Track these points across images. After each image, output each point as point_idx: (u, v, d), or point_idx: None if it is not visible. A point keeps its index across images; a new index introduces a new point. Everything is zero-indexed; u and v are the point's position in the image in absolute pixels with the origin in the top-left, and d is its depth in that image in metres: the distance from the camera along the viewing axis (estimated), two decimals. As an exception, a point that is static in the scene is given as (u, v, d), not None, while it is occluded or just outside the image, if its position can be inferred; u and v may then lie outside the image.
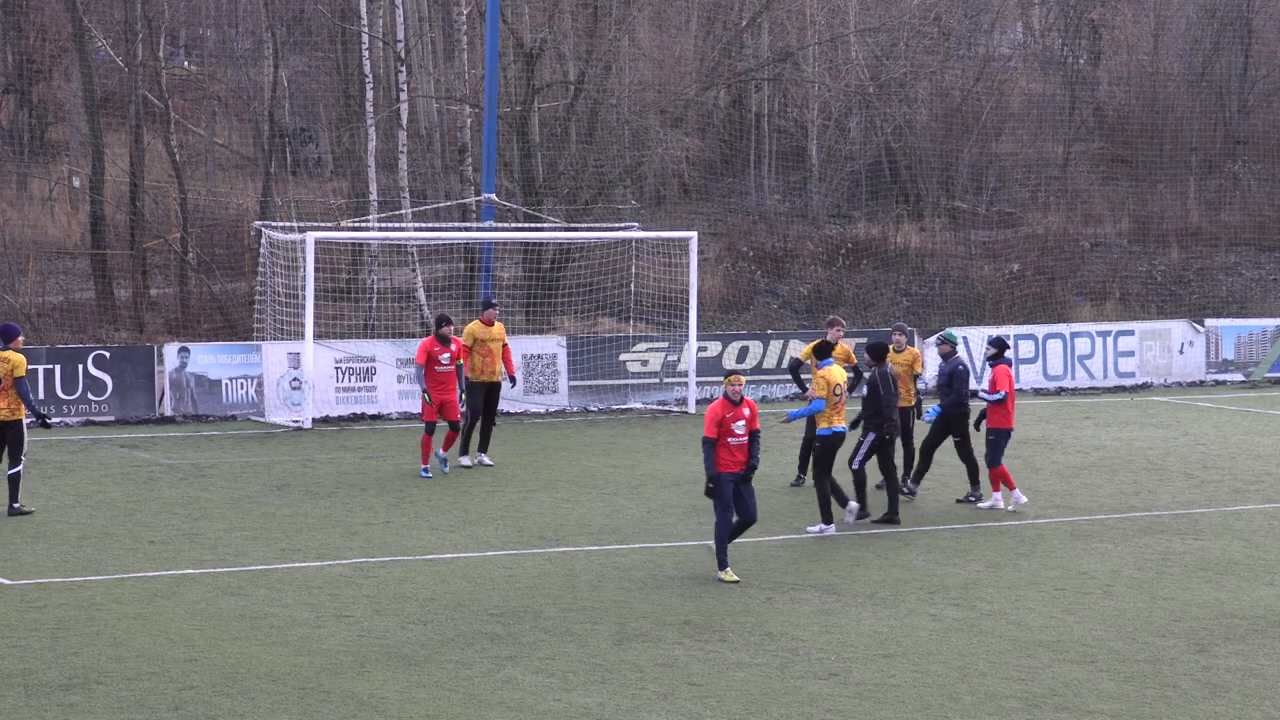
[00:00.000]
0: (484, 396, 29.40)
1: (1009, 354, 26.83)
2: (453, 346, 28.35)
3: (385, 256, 43.45)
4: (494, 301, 30.63)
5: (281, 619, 18.99)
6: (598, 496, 26.83)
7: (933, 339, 40.72)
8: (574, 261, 42.15)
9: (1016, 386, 40.63)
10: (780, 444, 32.02)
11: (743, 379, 20.96)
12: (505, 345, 29.90)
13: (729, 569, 21.03)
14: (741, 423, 20.74)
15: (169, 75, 46.35)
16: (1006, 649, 18.35)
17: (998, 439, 26.02)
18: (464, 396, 28.67)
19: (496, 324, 29.84)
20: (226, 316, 40.64)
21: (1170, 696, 16.81)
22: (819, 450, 24.37)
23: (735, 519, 21.07)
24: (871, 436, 25.06)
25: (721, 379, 38.40)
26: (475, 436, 29.60)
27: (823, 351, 24.93)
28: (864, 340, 38.42)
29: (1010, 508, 26.06)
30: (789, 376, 35.46)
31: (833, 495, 24.38)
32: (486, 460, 29.54)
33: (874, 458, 25.16)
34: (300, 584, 20.68)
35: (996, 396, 26.01)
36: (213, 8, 55.41)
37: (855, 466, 25.11)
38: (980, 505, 26.38)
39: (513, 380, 30.32)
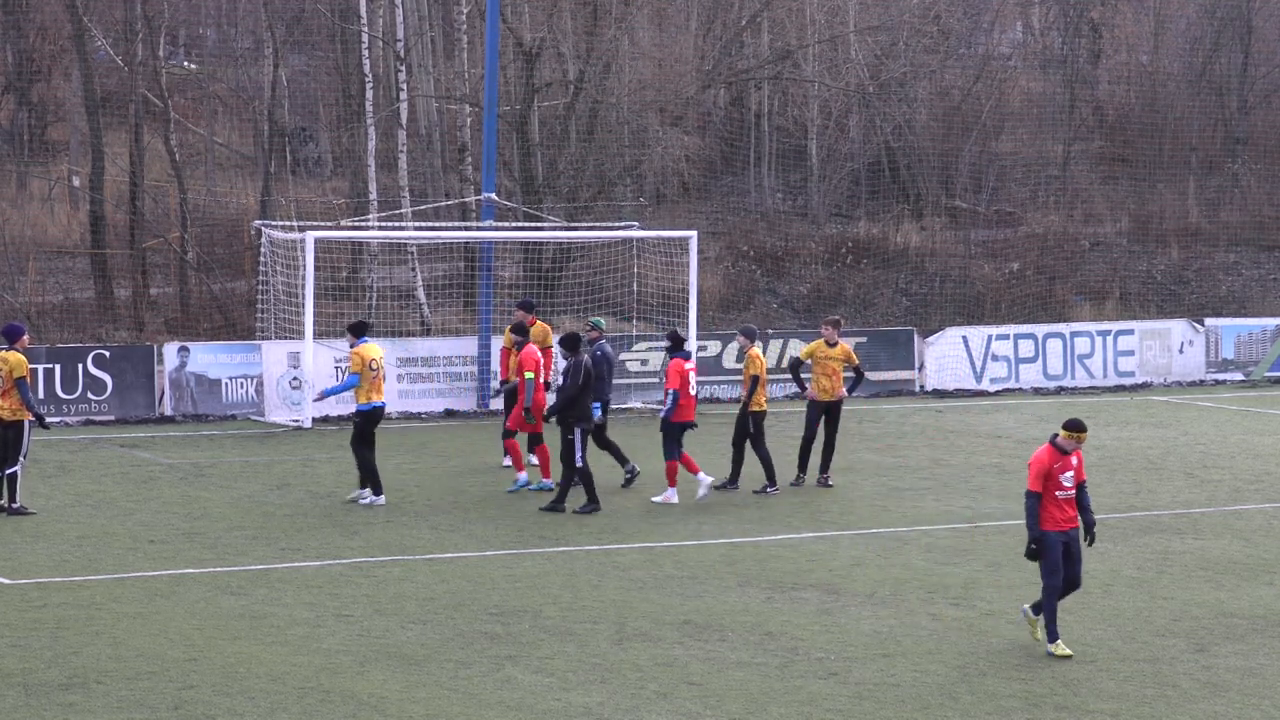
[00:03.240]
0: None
1: (687, 347, 26.65)
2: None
3: (385, 256, 43.45)
4: (533, 303, 30.35)
5: (281, 618, 18.99)
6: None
7: (933, 338, 40.84)
8: (574, 261, 42.15)
9: (1016, 385, 41.05)
10: (779, 442, 32.05)
11: (1087, 436, 18.42)
12: (548, 348, 29.51)
13: (1060, 640, 18.19)
14: (1070, 474, 18.15)
15: (169, 75, 46.33)
16: (1006, 648, 18.35)
17: (670, 431, 26.01)
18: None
19: (538, 324, 29.55)
20: (226, 316, 40.63)
21: (1170, 696, 16.81)
22: (358, 424, 25.56)
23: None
24: (578, 430, 25.14)
25: (722, 378, 38.53)
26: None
27: (359, 330, 25.92)
28: (863, 340, 38.55)
29: (659, 499, 26.20)
30: (789, 376, 35.46)
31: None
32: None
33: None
34: (300, 583, 20.68)
35: (670, 398, 25.91)
36: (212, 7, 55.40)
37: (579, 465, 25.18)
38: (654, 499, 26.36)
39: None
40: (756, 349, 27.33)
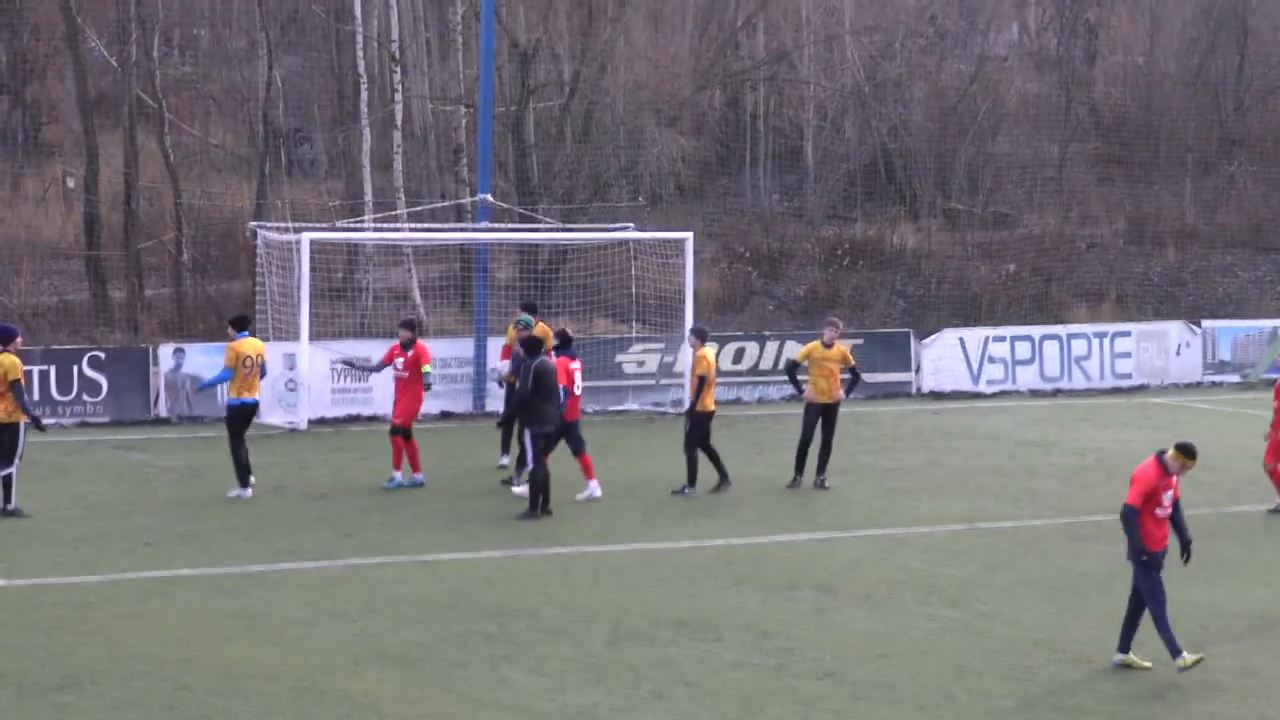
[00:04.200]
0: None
1: (573, 347, 26.87)
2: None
3: (380, 257, 43.40)
4: (535, 304, 30.39)
5: (276, 619, 18.95)
6: (593, 497, 26.78)
7: (930, 340, 40.81)
8: (570, 262, 42.11)
9: (1013, 387, 41.02)
10: (776, 444, 32.00)
11: (1195, 465, 17.89)
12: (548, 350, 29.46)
13: (1185, 653, 17.53)
14: (1170, 493, 17.76)
15: (163, 75, 46.27)
16: (1002, 649, 18.31)
17: (569, 428, 26.15)
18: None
19: (539, 325, 29.55)
20: (221, 317, 40.53)
21: (1167, 696, 16.79)
22: (230, 418, 26.35)
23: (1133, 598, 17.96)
24: (529, 433, 25.11)
25: (719, 379, 38.48)
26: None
27: (240, 325, 26.74)
28: (860, 341, 38.50)
29: (583, 496, 26.32)
30: (785, 378, 35.39)
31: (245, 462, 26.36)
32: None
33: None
34: (295, 584, 20.64)
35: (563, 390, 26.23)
36: (206, 7, 55.33)
37: (531, 466, 25.08)
38: (579, 497, 26.42)
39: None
40: (706, 350, 27.32)
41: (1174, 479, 17.68)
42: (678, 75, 47.64)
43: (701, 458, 27.16)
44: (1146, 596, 17.56)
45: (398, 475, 27.43)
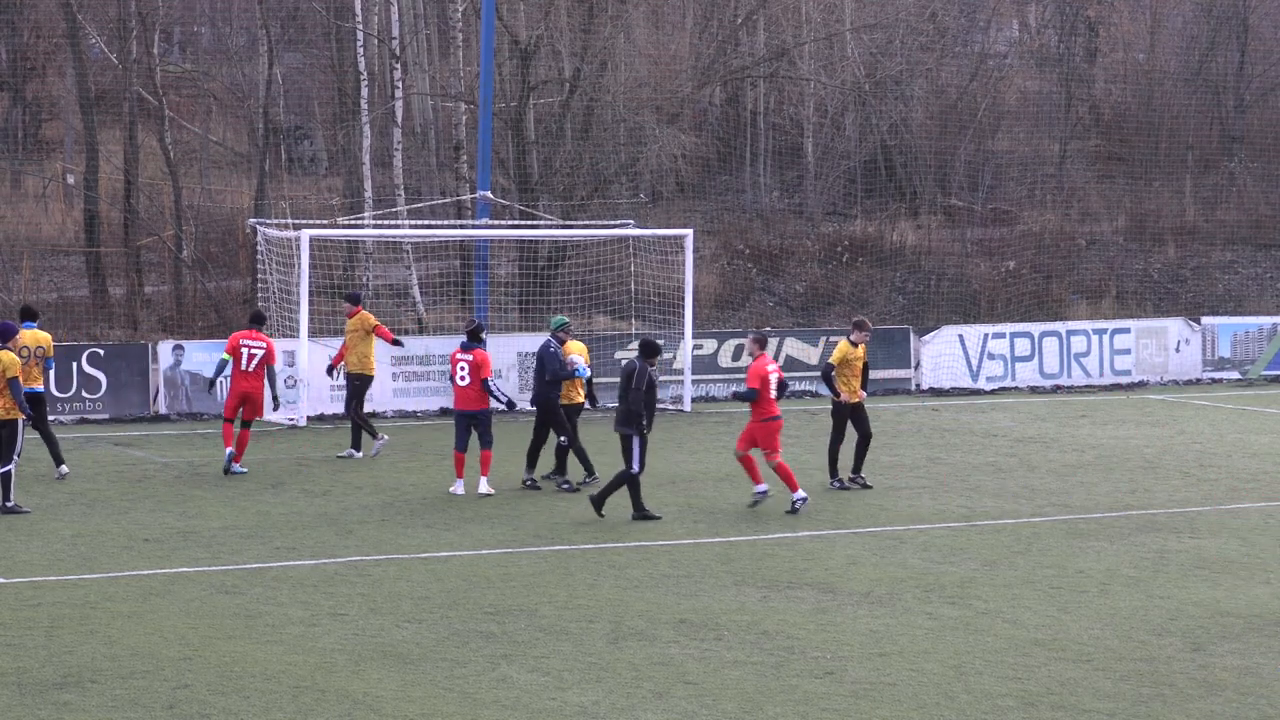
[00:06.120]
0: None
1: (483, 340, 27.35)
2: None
3: (380, 254, 43.40)
4: (359, 295, 31.70)
5: (276, 617, 18.95)
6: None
7: (929, 337, 40.81)
8: (569, 259, 42.11)
9: (1013, 384, 41.03)
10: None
11: None
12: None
13: None
14: None
15: (163, 72, 46.27)
16: (1002, 647, 18.31)
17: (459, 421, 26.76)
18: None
19: (361, 313, 30.68)
20: (221, 314, 40.58)
21: (1166, 695, 16.77)
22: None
23: None
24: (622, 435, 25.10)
25: (717, 377, 38.49)
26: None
27: (26, 315, 26.99)
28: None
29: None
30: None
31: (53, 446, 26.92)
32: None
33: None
34: (295, 582, 20.64)
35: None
36: (207, 5, 55.32)
37: (635, 470, 24.90)
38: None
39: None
40: (570, 344, 27.49)
41: None
42: (678, 72, 47.62)
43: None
44: None
45: (234, 463, 28.20)
